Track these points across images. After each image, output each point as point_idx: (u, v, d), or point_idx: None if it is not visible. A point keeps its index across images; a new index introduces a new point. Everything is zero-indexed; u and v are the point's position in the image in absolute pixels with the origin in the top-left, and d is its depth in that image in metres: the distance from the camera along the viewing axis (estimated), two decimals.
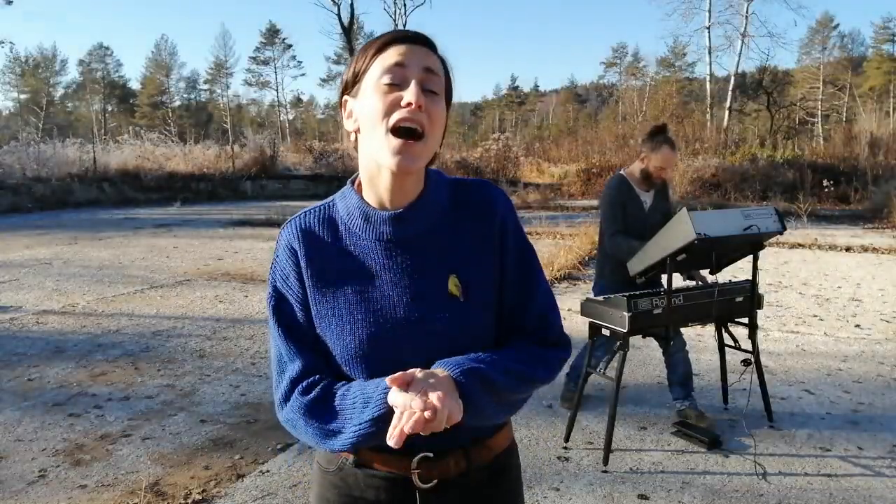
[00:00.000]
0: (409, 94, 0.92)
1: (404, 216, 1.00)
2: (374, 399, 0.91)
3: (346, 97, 1.01)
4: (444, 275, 1.00)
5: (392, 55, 0.95)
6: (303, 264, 1.02)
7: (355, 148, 1.02)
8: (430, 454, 1.01)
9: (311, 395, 0.98)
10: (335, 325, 1.00)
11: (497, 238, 1.04)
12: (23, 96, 52.17)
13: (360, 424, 0.92)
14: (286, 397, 1.00)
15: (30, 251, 8.95)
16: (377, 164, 0.97)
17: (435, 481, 1.01)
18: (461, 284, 1.00)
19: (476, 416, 0.94)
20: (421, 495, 1.02)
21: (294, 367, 1.01)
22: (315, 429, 0.97)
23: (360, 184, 1.04)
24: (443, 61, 1.01)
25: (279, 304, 1.04)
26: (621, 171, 3.34)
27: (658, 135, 3.19)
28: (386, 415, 0.89)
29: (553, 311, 1.07)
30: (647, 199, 3.28)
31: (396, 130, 0.93)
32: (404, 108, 0.92)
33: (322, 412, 0.97)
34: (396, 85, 0.94)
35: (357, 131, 1.00)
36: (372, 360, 0.99)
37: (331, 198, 1.08)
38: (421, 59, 0.95)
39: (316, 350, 1.02)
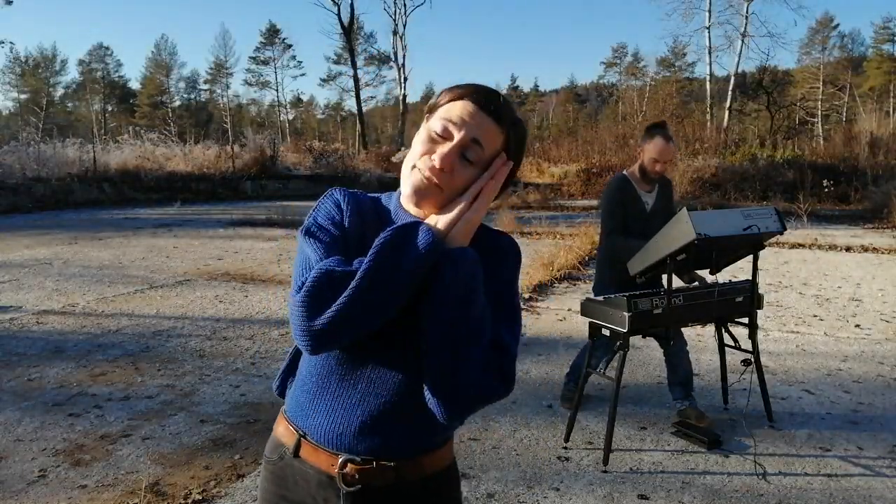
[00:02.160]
0: (438, 155, 1.00)
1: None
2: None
3: (427, 115, 1.09)
4: None
5: (455, 111, 1.02)
6: (346, 220, 1.07)
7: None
8: (356, 458, 1.02)
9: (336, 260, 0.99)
10: None
11: (490, 271, 1.05)
12: (23, 96, 52.18)
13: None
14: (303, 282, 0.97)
15: (30, 251, 8.94)
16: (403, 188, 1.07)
17: (359, 486, 1.02)
18: None
19: (450, 275, 0.95)
20: (345, 498, 1.03)
21: (323, 259, 1.00)
22: (337, 274, 0.95)
23: None
24: (511, 130, 1.05)
25: (318, 231, 1.05)
26: (624, 172, 3.33)
27: (654, 129, 3.19)
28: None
29: (513, 346, 1.03)
30: (648, 199, 3.26)
31: (418, 168, 1.02)
32: (430, 160, 1.01)
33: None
34: (442, 138, 1.02)
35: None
36: (328, 358, 1.05)
37: (379, 194, 1.17)
38: (475, 128, 1.01)
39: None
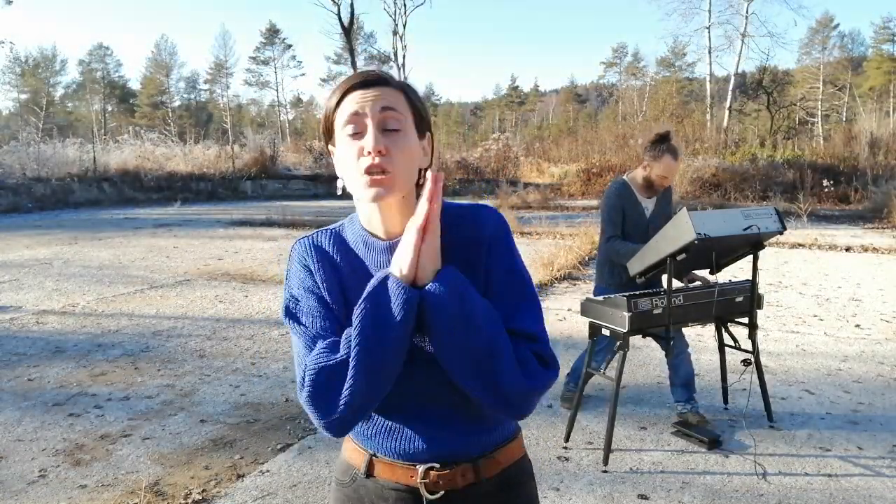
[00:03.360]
0: (368, 143, 0.97)
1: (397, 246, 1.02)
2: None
3: (330, 147, 1.07)
4: None
5: (349, 105, 0.99)
6: (318, 279, 1.04)
7: (346, 189, 1.05)
8: (437, 465, 1.02)
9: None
10: None
11: (483, 260, 1.03)
12: (23, 96, 52.12)
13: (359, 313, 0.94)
14: (303, 377, 0.97)
15: (30, 251, 8.95)
16: (364, 202, 1.03)
17: (442, 492, 1.03)
18: None
19: (437, 315, 0.93)
20: None
21: (310, 349, 1.00)
22: (330, 366, 0.95)
23: None
24: (406, 90, 1.03)
25: (296, 307, 1.04)
26: (624, 177, 3.33)
27: (661, 143, 3.15)
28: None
29: (541, 332, 1.02)
30: (648, 205, 3.26)
31: (364, 173, 0.98)
32: (366, 156, 0.97)
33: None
34: (358, 133, 0.99)
35: (343, 177, 1.04)
36: None
37: (341, 221, 1.12)
38: (377, 100, 0.99)
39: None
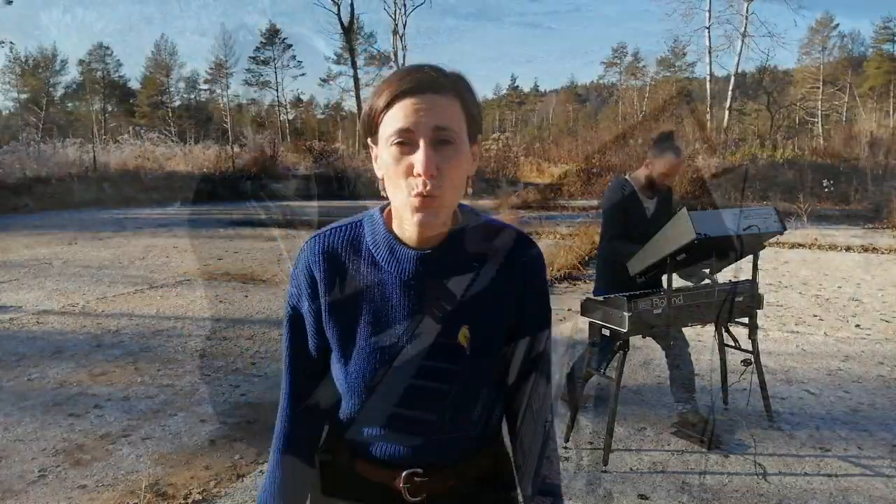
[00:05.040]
0: (419, 164, 0.88)
1: (431, 258, 0.97)
2: None
3: (370, 141, 0.98)
4: (457, 324, 0.98)
5: (399, 116, 0.90)
6: (320, 289, 1.00)
7: (384, 190, 0.97)
8: (419, 470, 1.02)
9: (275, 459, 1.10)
10: (341, 353, 1.00)
11: (520, 295, 1.02)
12: (23, 96, 52.07)
13: None
14: (280, 418, 1.10)
15: (30, 251, 8.94)
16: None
17: (424, 495, 1.03)
18: (471, 336, 0.99)
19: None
20: None
21: (287, 388, 1.08)
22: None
23: (389, 213, 1.01)
24: (462, 96, 0.94)
25: (293, 321, 1.05)
26: (625, 176, 3.32)
27: (663, 141, 3.15)
28: None
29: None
30: (650, 205, 3.25)
31: (412, 194, 0.91)
32: (416, 177, 0.89)
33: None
34: (407, 145, 0.90)
35: (383, 178, 0.96)
36: (371, 395, 1.00)
37: (359, 217, 1.04)
38: (430, 117, 0.89)
39: (313, 375, 1.07)
